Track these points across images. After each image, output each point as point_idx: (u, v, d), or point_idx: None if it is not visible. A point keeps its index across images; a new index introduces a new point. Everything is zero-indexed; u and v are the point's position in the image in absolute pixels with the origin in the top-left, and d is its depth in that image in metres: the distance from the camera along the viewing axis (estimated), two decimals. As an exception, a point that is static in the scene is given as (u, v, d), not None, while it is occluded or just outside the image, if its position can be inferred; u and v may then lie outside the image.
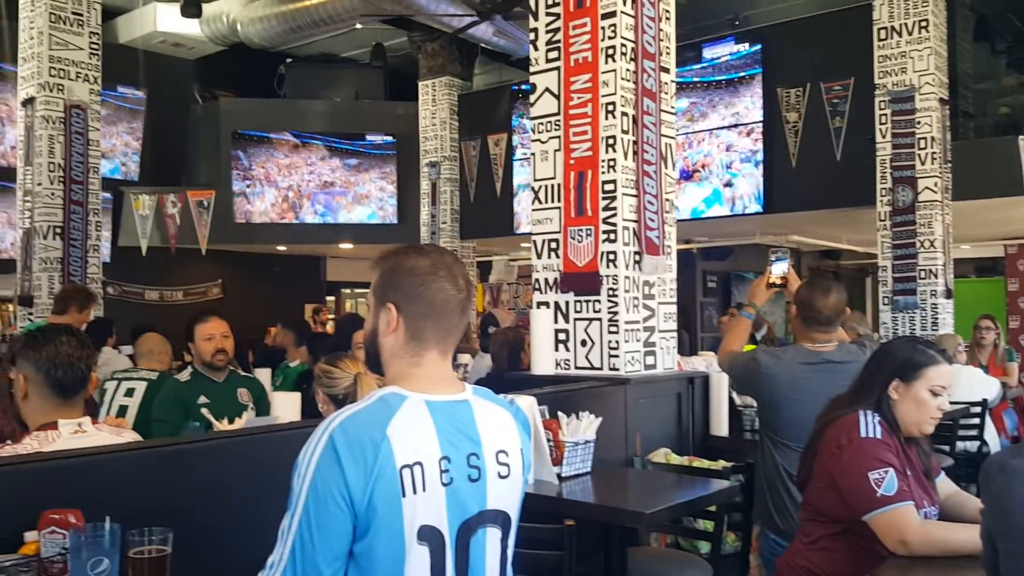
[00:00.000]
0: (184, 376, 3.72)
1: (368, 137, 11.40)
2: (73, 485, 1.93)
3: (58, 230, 6.93)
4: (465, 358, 6.30)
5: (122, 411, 4.04)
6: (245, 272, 12.05)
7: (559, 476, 3.05)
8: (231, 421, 3.26)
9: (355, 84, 11.83)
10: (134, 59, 10.65)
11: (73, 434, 2.13)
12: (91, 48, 7.13)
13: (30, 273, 6.89)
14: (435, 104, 10.97)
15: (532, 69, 4.16)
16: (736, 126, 8.54)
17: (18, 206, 7.22)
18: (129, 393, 4.01)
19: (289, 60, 11.67)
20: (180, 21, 10.01)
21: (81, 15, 7.07)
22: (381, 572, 1.37)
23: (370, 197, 11.47)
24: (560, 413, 3.16)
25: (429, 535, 1.39)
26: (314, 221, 11.35)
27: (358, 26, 10.08)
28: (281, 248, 12.02)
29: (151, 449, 2.22)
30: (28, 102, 6.97)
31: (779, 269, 3.40)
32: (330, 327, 10.93)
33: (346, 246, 11.85)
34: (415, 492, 1.37)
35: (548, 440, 3.03)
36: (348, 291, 14.35)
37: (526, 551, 2.08)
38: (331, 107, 11.54)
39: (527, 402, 2.95)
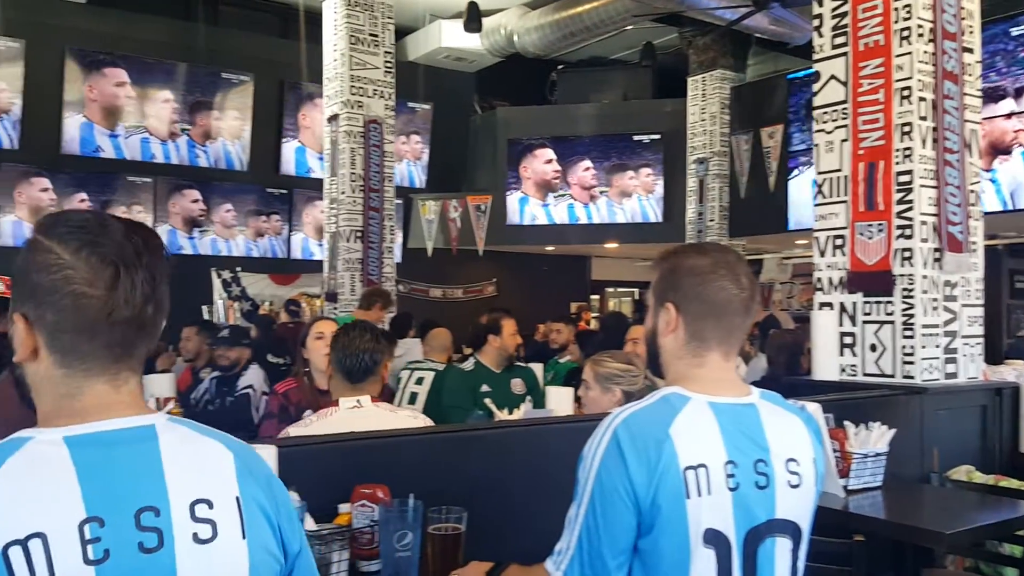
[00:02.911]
0: (467, 366, 4.01)
1: (635, 137, 11.42)
2: (377, 463, 2.11)
3: (359, 234, 7.64)
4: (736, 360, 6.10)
5: (412, 398, 4.39)
6: (516, 271, 12.58)
7: (846, 489, 2.87)
8: (510, 411, 3.41)
9: (623, 85, 11.91)
10: (421, 75, 11.49)
11: (350, 409, 2.38)
12: (386, 67, 7.79)
13: (335, 272, 7.67)
14: (705, 99, 10.75)
15: (816, 56, 3.94)
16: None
17: (325, 213, 8.07)
18: (419, 381, 4.36)
19: (560, 67, 12.00)
20: (462, 36, 10.65)
21: (377, 36, 7.74)
22: (666, 571, 1.37)
23: (636, 197, 11.49)
24: (847, 422, 2.96)
25: (715, 539, 1.36)
26: (582, 222, 11.59)
27: (629, 27, 10.13)
28: (550, 248, 12.41)
29: (443, 434, 2.38)
30: (333, 118, 7.76)
31: None
32: (594, 325, 11.11)
33: (611, 246, 11.98)
34: (700, 495, 1.35)
35: (835, 450, 2.85)
36: (612, 290, 14.50)
37: (811, 564, 1.97)
38: (599, 109, 11.71)
39: (811, 408, 2.80)
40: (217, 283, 10.08)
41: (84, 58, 9.42)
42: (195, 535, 0.97)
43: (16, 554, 0.87)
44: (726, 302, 1.46)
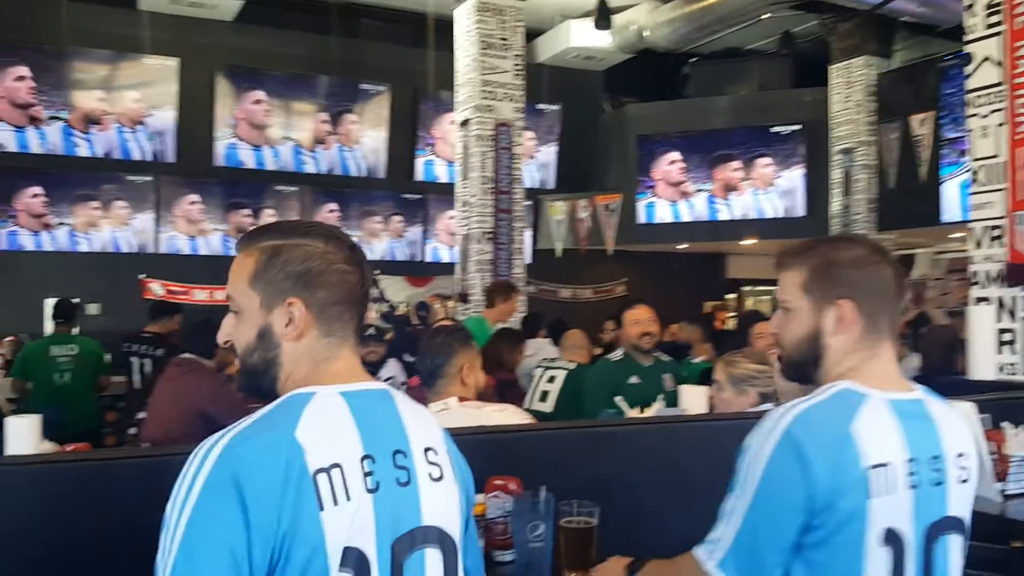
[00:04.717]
0: (616, 356, 4.00)
1: (773, 128, 11.07)
2: (510, 456, 2.15)
3: (489, 235, 7.76)
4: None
5: (544, 396, 4.43)
6: (647, 271, 12.42)
7: (1003, 493, 2.68)
8: (642, 410, 3.39)
9: (760, 76, 11.57)
10: (550, 76, 11.55)
11: (438, 412, 2.47)
12: (515, 70, 7.87)
13: (467, 274, 7.83)
14: (848, 87, 10.29)
15: (967, 37, 3.73)
16: None
17: (457, 216, 8.24)
18: (551, 380, 4.40)
19: (693, 59, 11.79)
20: (591, 35, 10.63)
21: (507, 40, 7.84)
22: (839, 573, 1.32)
23: (775, 191, 11.14)
24: (1005, 423, 2.78)
25: (892, 539, 1.32)
26: (716, 218, 11.34)
27: (765, 16, 9.83)
28: (682, 246, 12.20)
29: (575, 429, 2.40)
30: (464, 123, 7.91)
31: None
32: (730, 324, 10.82)
33: (749, 242, 11.65)
34: (883, 494, 1.31)
35: (991, 453, 2.68)
36: (749, 288, 14.09)
37: (966, 570, 1.88)
38: (734, 102, 11.42)
39: (965, 408, 2.64)
40: (358, 286, 10.46)
41: (233, 74, 10.01)
42: (430, 475, 1.18)
43: (323, 479, 1.06)
44: (892, 290, 1.43)
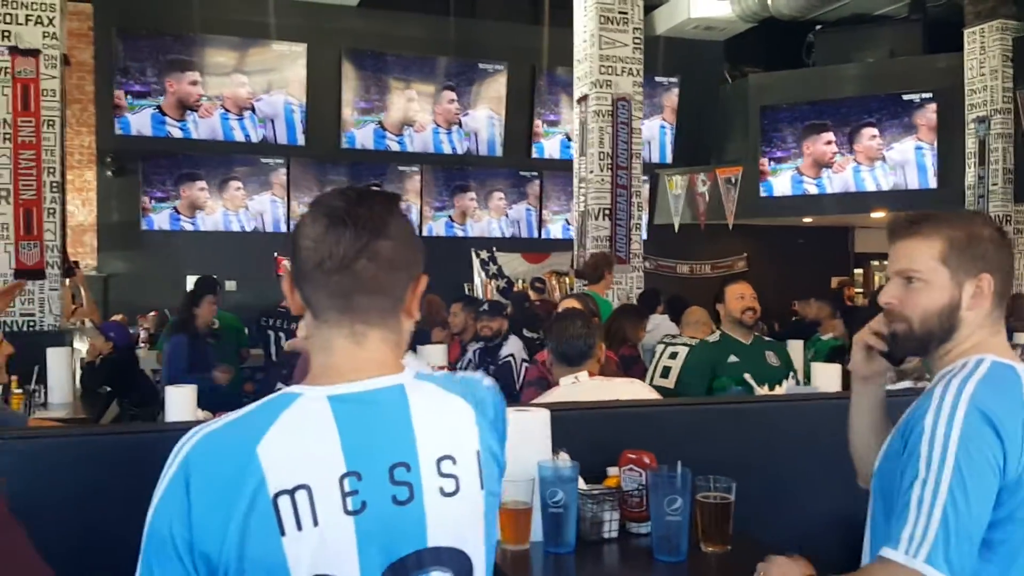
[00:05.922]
0: (713, 338, 3.97)
1: (904, 96, 10.54)
2: (643, 430, 2.19)
3: (606, 212, 7.74)
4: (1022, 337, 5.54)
5: (665, 371, 4.43)
6: (769, 245, 12.11)
7: None
8: (771, 387, 3.36)
9: (889, 42, 11.02)
10: (669, 48, 11.36)
11: (570, 385, 2.66)
12: (634, 43, 7.77)
13: (584, 250, 7.83)
14: (984, 52, 9.69)
15: None
16: None
17: (575, 192, 8.26)
18: (672, 356, 4.39)
19: (818, 27, 11.35)
20: (711, 5, 10.39)
21: (626, 13, 7.75)
22: (1012, 550, 1.31)
23: (906, 161, 10.63)
24: None
25: None
26: (843, 191, 10.92)
27: (894, -21, 9.37)
28: (807, 220, 11.82)
29: (707, 406, 2.42)
30: (582, 99, 7.88)
31: None
32: (860, 301, 10.45)
33: (878, 215, 11.18)
34: None
35: None
36: (877, 263, 13.53)
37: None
38: (862, 69, 10.92)
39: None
40: (476, 263, 10.67)
41: (357, 58, 10.31)
42: (441, 489, 1.05)
43: (284, 503, 0.96)
44: (1012, 270, 1.48)
